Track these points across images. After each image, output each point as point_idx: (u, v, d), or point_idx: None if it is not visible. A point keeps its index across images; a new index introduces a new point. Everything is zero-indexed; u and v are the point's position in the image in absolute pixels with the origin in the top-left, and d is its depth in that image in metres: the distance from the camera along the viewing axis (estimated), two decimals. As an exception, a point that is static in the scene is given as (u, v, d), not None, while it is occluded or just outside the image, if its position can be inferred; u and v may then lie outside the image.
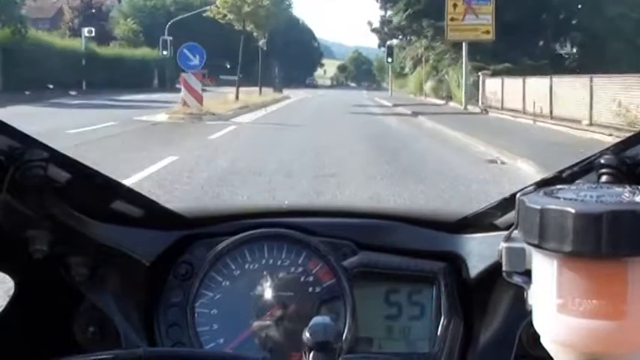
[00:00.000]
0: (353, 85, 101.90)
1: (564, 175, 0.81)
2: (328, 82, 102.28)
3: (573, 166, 0.81)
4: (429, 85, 34.09)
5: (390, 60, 38.22)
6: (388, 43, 38.05)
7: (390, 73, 45.40)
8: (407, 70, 41.35)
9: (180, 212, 1.09)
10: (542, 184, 0.65)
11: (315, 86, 79.67)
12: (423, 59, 34.65)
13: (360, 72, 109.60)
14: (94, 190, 0.92)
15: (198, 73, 18.53)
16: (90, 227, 0.92)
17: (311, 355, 0.66)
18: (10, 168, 0.77)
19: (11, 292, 0.97)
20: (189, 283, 1.04)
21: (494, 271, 0.92)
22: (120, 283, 0.97)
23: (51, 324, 0.98)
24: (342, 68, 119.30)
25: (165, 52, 31.82)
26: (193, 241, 1.07)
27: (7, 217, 0.80)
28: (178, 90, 19.96)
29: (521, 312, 0.73)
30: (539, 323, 0.57)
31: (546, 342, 0.56)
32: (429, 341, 1.03)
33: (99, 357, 0.71)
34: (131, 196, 0.99)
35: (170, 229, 1.07)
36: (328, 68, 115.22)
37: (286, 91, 43.87)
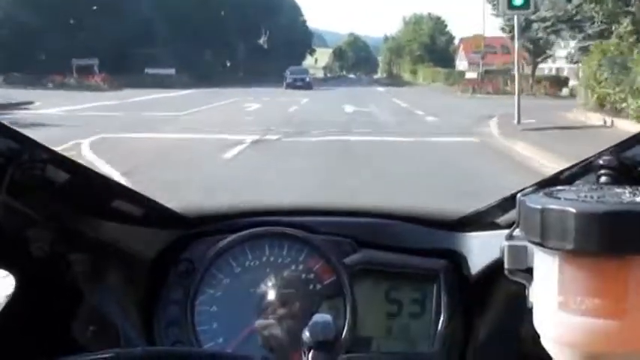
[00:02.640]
0: (352, 76, 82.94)
1: (563, 176, 0.82)
2: (321, 74, 77.91)
3: (572, 167, 0.81)
4: None
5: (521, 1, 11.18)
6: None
7: (516, 53, 13.73)
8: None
9: (180, 211, 1.09)
10: (541, 185, 0.65)
11: (305, 85, 34.89)
12: None
13: (359, 59, 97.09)
14: (93, 190, 0.92)
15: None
16: (90, 225, 0.92)
17: (310, 354, 0.66)
18: (9, 169, 0.78)
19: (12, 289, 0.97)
20: (190, 280, 1.04)
21: (494, 269, 0.93)
22: (120, 281, 0.98)
23: (51, 322, 0.98)
24: (337, 53, 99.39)
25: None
26: (194, 239, 1.07)
27: (8, 217, 0.81)
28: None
29: (521, 311, 0.73)
30: (539, 321, 0.57)
31: (546, 341, 0.57)
32: (429, 339, 1.04)
33: (98, 356, 0.72)
34: (131, 195, 0.99)
35: (171, 228, 1.07)
36: (320, 57, 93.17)
37: (207, 103, 18.45)
